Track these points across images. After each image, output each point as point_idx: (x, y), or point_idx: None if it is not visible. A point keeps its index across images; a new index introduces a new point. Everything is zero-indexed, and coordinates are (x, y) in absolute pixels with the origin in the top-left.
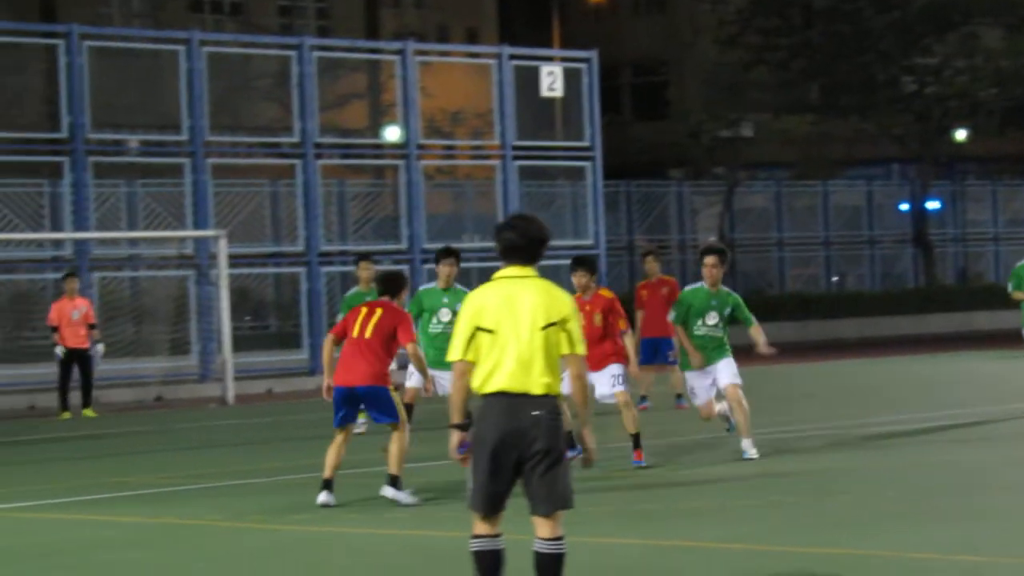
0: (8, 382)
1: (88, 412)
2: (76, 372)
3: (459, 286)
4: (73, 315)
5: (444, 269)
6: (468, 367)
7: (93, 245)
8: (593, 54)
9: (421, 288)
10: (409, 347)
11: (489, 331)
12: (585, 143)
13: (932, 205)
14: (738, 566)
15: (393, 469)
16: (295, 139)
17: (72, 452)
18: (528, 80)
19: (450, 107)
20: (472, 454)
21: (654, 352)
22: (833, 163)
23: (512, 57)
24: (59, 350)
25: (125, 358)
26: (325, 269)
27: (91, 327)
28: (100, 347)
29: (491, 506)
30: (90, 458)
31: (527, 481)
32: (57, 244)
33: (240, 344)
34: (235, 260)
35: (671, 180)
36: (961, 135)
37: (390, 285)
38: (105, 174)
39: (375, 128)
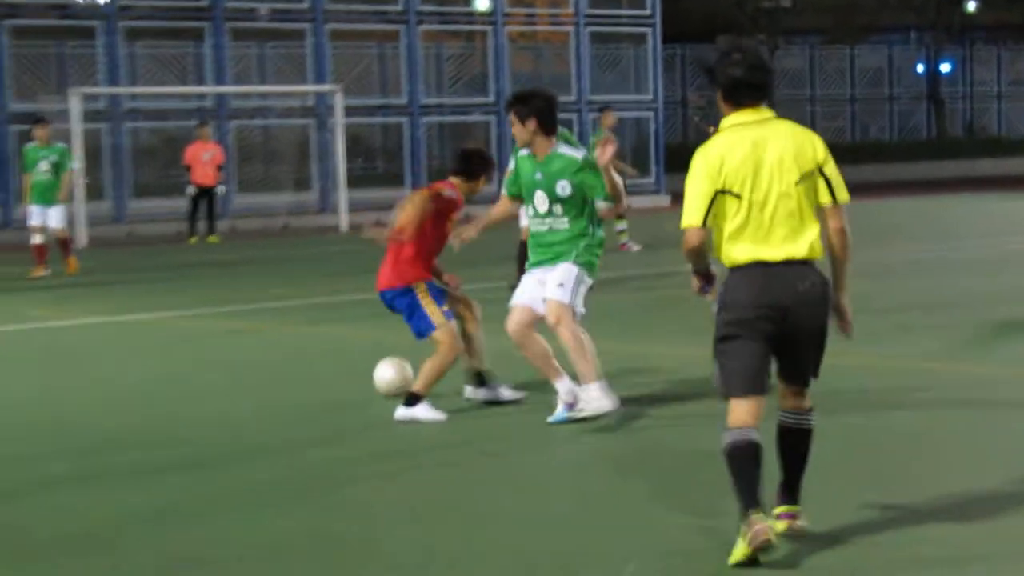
0: (162, 212)
1: (212, 239)
2: (204, 206)
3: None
4: (204, 156)
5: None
6: (705, 235)
7: (230, 98)
8: None
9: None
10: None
11: (735, 195)
12: (646, 12)
13: (944, 67)
14: None
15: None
16: (400, 8)
17: (217, 271)
18: None
19: None
20: (725, 331)
21: None
22: (859, 29)
23: None
24: (190, 188)
25: (257, 193)
26: (424, 119)
27: (219, 168)
28: (221, 188)
29: (752, 387)
30: (233, 275)
31: (785, 357)
32: (200, 96)
33: (353, 182)
34: (349, 111)
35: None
36: (971, 5)
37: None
38: (240, 37)
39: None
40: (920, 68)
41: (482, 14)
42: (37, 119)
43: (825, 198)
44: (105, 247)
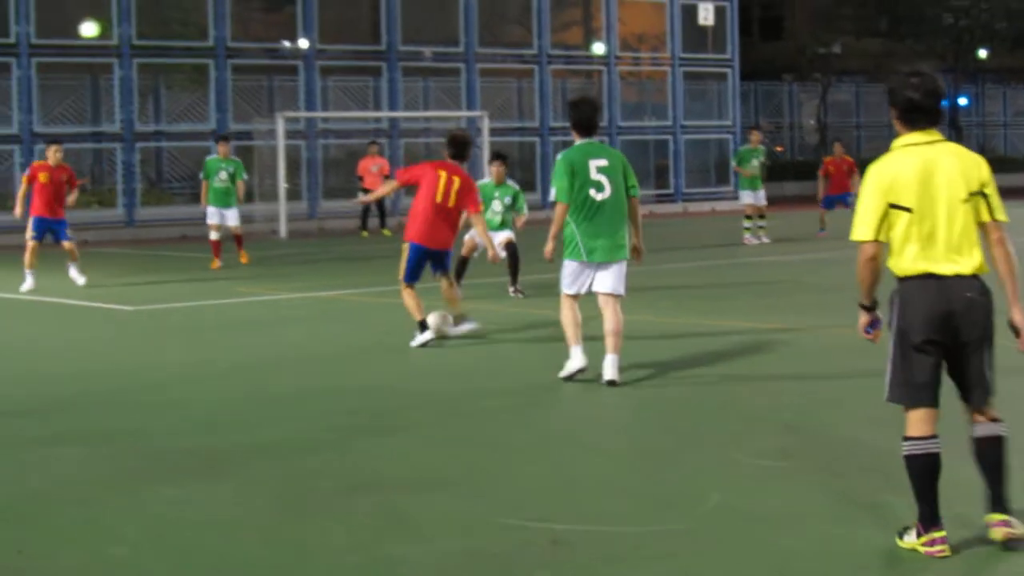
0: (347, 210)
1: (385, 231)
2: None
3: (510, 182)
4: (372, 168)
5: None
6: (878, 248)
7: (400, 121)
8: None
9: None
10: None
11: (906, 209)
12: (727, 56)
13: (962, 101)
14: None
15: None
16: (535, 51)
17: (384, 259)
18: (690, 13)
19: (637, 31)
20: (898, 342)
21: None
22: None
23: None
24: (360, 194)
25: None
26: (552, 139)
27: (386, 178)
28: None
29: (925, 398)
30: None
31: (957, 368)
32: (377, 120)
33: None
34: (493, 132)
35: (784, 81)
36: (983, 54)
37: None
38: (409, 74)
39: (587, 44)
40: (943, 102)
41: (598, 57)
42: (220, 136)
43: (987, 216)
44: (300, 238)
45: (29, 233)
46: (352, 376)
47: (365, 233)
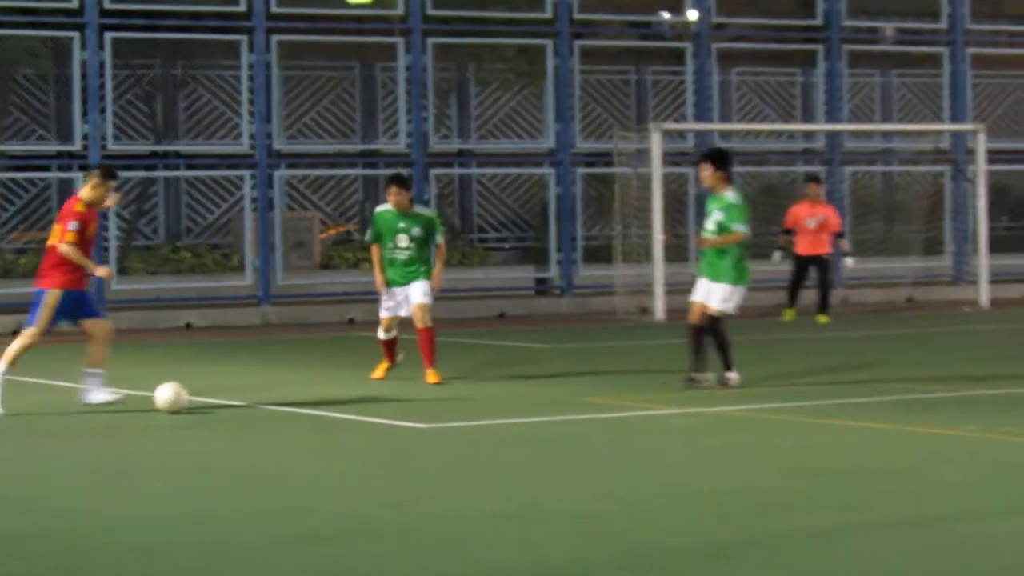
0: (759, 277)
1: (821, 318)
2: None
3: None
4: (808, 223)
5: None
6: None
7: (845, 137)
8: None
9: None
10: None
11: None
12: None
13: None
14: None
15: None
16: None
17: (821, 351)
18: None
19: None
20: None
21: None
22: None
23: None
24: (777, 254)
25: (875, 257)
26: None
27: (838, 236)
28: (850, 260)
29: None
30: (836, 358)
31: None
32: (808, 136)
33: (995, 244)
34: (993, 156)
35: None
36: None
37: None
38: (860, 63)
39: None
40: None
41: None
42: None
43: None
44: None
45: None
46: None
47: (789, 314)
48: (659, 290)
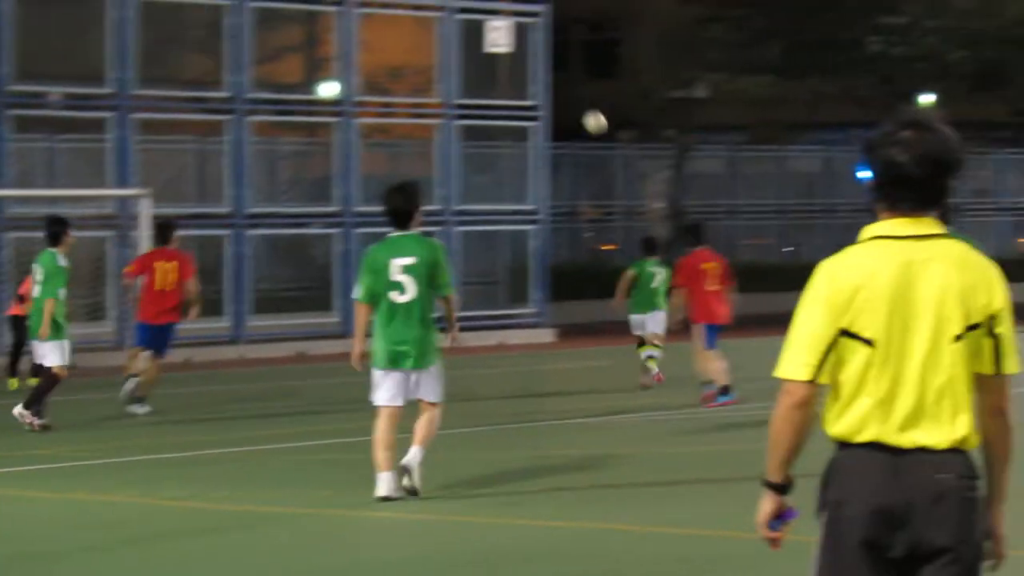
0: None
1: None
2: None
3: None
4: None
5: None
6: (813, 393)
7: (9, 203)
8: (546, 7)
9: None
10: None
11: (865, 341)
12: (531, 102)
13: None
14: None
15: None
16: (226, 94)
17: None
18: (474, 34)
19: (390, 62)
20: (825, 542)
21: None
22: (790, 127)
23: (461, 10)
24: None
25: None
26: (251, 232)
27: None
28: None
29: None
30: None
31: None
32: None
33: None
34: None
35: (619, 143)
36: (926, 99)
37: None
38: (27, 128)
39: (310, 84)
40: (862, 174)
41: (328, 102)
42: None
43: (990, 366)
44: None
45: None
46: None
47: None
48: None
